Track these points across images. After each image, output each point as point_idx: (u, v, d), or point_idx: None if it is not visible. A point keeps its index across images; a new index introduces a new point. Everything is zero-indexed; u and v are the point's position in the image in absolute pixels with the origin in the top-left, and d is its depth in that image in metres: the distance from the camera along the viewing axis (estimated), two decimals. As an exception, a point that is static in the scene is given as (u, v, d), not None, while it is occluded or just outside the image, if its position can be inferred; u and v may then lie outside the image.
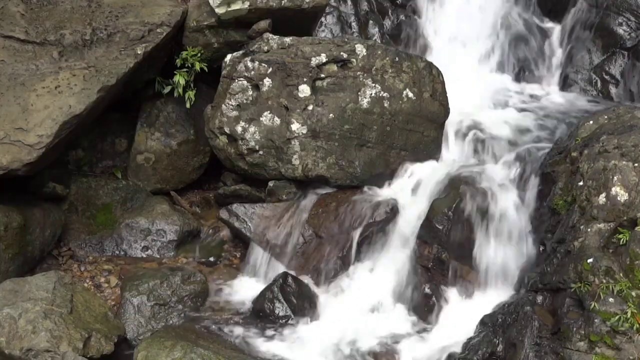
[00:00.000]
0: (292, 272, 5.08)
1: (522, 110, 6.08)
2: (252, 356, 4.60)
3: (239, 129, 5.30)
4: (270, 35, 5.46)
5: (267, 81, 5.32)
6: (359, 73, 5.36)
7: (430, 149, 5.50)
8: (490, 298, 4.86)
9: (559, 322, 4.24)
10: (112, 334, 4.59)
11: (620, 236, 4.19)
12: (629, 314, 4.03)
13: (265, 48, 5.41)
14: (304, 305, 4.96)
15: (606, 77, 6.49)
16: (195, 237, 5.63)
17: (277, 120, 5.27)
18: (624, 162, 4.32)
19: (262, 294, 4.98)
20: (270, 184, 5.32)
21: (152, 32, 5.47)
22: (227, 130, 5.33)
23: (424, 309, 4.90)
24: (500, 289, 4.92)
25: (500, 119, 5.90)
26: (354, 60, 5.38)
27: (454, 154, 5.61)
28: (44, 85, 5.15)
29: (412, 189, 5.26)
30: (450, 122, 5.65)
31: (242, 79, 5.36)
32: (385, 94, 5.36)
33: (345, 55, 5.38)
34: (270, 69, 5.33)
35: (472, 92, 6.18)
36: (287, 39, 5.43)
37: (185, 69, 5.68)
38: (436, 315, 4.86)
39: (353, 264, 5.08)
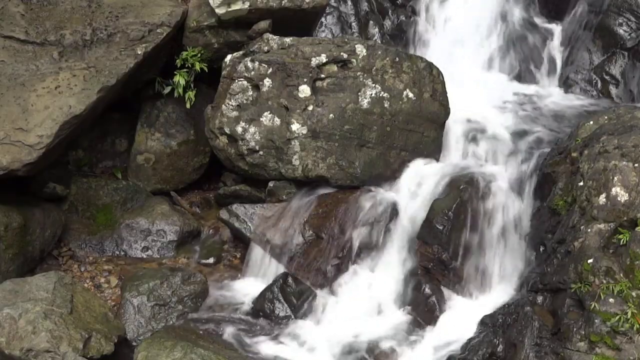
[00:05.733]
0: (292, 273, 5.08)
1: (522, 110, 6.07)
2: (252, 357, 4.61)
3: (239, 129, 5.30)
4: (271, 35, 5.46)
5: (267, 81, 5.32)
6: (359, 73, 5.36)
7: (430, 149, 5.50)
8: (490, 298, 4.86)
9: (559, 322, 4.24)
10: (112, 334, 4.59)
11: (621, 236, 4.19)
12: (629, 315, 4.03)
13: (266, 48, 5.41)
14: (304, 305, 4.96)
15: (606, 77, 6.49)
16: (196, 237, 5.63)
17: (277, 121, 5.27)
18: (624, 163, 4.32)
19: (262, 294, 4.98)
20: (271, 184, 5.32)
21: (152, 32, 5.47)
22: (227, 130, 5.33)
23: (424, 309, 4.90)
24: (500, 289, 4.92)
25: (501, 119, 5.89)
26: (354, 60, 5.38)
27: (454, 154, 5.60)
28: (44, 86, 5.16)
29: (412, 189, 5.26)
30: (451, 122, 5.65)
31: (242, 79, 5.36)
32: (385, 94, 5.36)
33: (345, 56, 5.38)
34: (270, 69, 5.33)
35: (473, 93, 6.17)
36: (287, 39, 5.43)
37: (185, 69, 5.68)
38: (436, 315, 4.86)
39: (353, 264, 5.08)
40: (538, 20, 6.80)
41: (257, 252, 5.24)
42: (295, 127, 5.23)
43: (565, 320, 4.20)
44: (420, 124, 5.45)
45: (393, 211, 5.12)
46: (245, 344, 4.73)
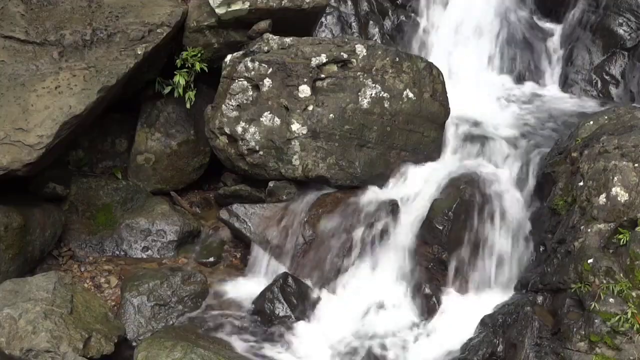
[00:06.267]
0: (292, 273, 5.08)
1: (522, 110, 6.08)
2: (252, 357, 4.61)
3: (239, 129, 5.30)
4: (271, 35, 5.46)
5: (267, 81, 5.32)
6: (359, 73, 5.36)
7: (430, 149, 5.50)
8: (490, 298, 4.86)
9: (559, 322, 4.24)
10: (112, 334, 4.59)
11: (621, 236, 4.19)
12: (629, 315, 4.03)
13: (266, 48, 5.41)
14: (304, 305, 4.96)
15: (606, 77, 6.49)
16: (196, 237, 5.64)
17: (278, 121, 5.27)
18: (624, 163, 4.32)
19: (262, 294, 4.98)
20: (271, 184, 5.32)
21: (152, 32, 5.47)
22: (227, 130, 5.33)
23: (424, 309, 4.90)
24: (500, 289, 4.92)
25: (501, 119, 5.90)
26: (354, 60, 5.38)
27: (454, 154, 5.60)
28: (44, 86, 5.15)
29: (412, 189, 5.26)
30: (451, 122, 5.65)
31: (242, 79, 5.36)
32: (385, 94, 5.36)
33: (345, 56, 5.38)
34: (270, 69, 5.33)
35: (473, 93, 6.18)
36: (287, 39, 5.43)
37: (185, 69, 5.68)
38: (436, 315, 4.86)
39: (353, 264, 5.08)
40: (538, 20, 6.81)
41: (257, 252, 5.25)
42: (295, 127, 5.23)
43: (565, 320, 4.20)
44: (420, 124, 5.45)
45: (393, 211, 5.12)
46: (245, 344, 4.73)
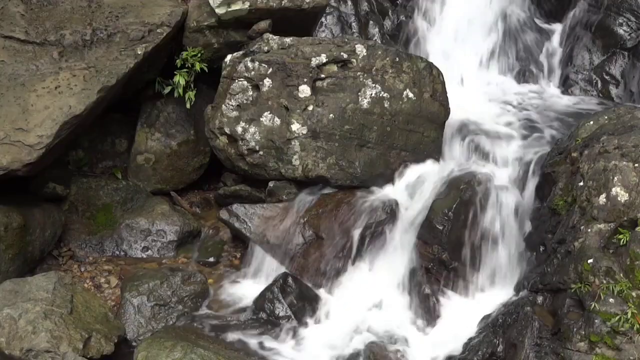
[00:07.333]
0: (292, 273, 5.08)
1: (522, 110, 6.08)
2: (252, 357, 4.61)
3: (239, 129, 5.30)
4: (271, 35, 5.46)
5: (267, 81, 5.32)
6: (359, 73, 5.36)
7: (430, 149, 5.50)
8: (490, 298, 4.86)
9: (559, 322, 4.24)
10: (112, 334, 4.60)
11: (621, 236, 4.19)
12: (629, 315, 4.03)
13: (266, 48, 5.41)
14: (304, 305, 4.96)
15: (606, 77, 6.49)
16: (196, 237, 5.64)
17: (278, 121, 5.27)
18: (624, 163, 4.32)
19: (262, 294, 4.98)
20: (271, 184, 5.32)
21: (152, 32, 5.47)
22: (227, 130, 5.33)
23: (424, 309, 4.90)
24: (500, 289, 4.92)
25: (501, 119, 5.90)
26: (354, 60, 5.38)
27: (454, 155, 5.61)
28: (44, 86, 5.16)
29: (412, 189, 5.26)
30: (451, 122, 5.65)
31: (242, 79, 5.36)
32: (385, 94, 5.36)
33: (345, 56, 5.38)
34: (270, 69, 5.33)
35: (473, 93, 6.18)
36: (287, 39, 5.43)
37: (185, 70, 5.68)
38: (436, 315, 4.87)
39: (353, 264, 5.08)
40: (538, 20, 6.81)
41: (257, 252, 5.24)
42: (295, 127, 5.23)
43: (565, 320, 4.20)
44: (420, 124, 5.45)
45: (393, 211, 5.12)
46: (245, 344, 4.73)
